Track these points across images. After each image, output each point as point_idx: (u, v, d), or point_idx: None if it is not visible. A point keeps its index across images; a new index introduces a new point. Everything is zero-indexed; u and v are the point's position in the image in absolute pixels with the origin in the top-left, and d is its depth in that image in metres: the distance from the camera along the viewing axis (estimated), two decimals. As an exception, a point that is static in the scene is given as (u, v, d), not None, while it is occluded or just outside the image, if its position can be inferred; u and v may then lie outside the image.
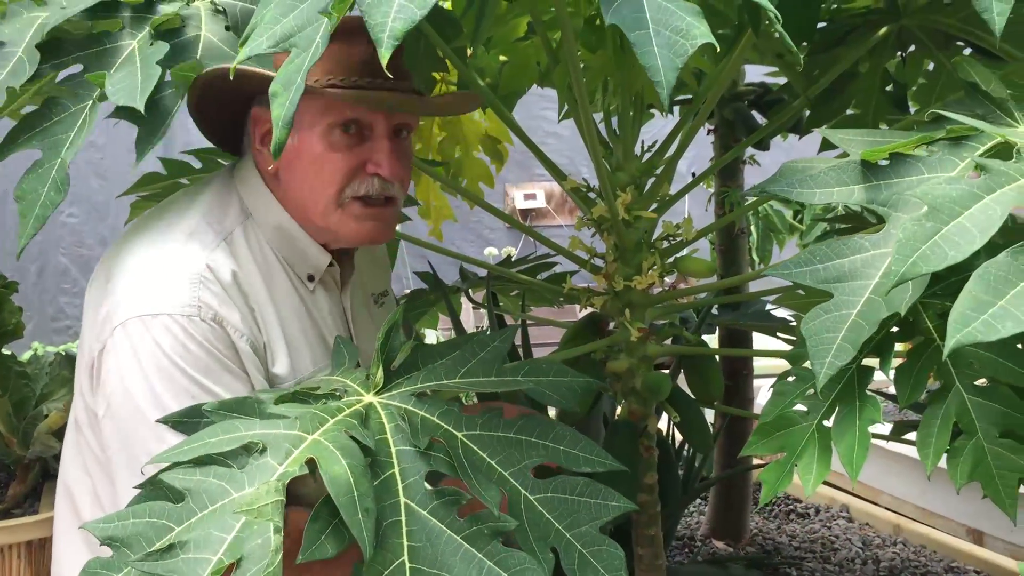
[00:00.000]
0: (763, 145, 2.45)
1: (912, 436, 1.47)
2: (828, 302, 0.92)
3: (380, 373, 1.11)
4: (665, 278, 1.61)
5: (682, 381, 1.77)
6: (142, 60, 1.21)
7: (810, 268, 0.94)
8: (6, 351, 2.37)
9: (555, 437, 1.06)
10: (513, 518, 0.97)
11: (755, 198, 2.23)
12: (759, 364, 2.96)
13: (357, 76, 1.30)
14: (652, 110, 2.00)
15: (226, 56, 1.29)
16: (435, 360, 1.17)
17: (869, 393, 1.02)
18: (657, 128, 2.05)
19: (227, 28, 1.32)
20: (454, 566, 0.92)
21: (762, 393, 3.18)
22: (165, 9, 1.28)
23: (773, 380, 1.11)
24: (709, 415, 2.24)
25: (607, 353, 1.64)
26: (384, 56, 0.85)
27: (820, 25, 1.70)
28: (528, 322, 2.23)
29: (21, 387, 2.45)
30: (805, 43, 1.52)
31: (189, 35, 1.28)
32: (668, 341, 1.70)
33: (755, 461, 2.87)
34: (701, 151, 3.34)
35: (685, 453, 2.69)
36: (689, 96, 2.10)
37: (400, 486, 0.97)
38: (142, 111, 1.16)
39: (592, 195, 1.63)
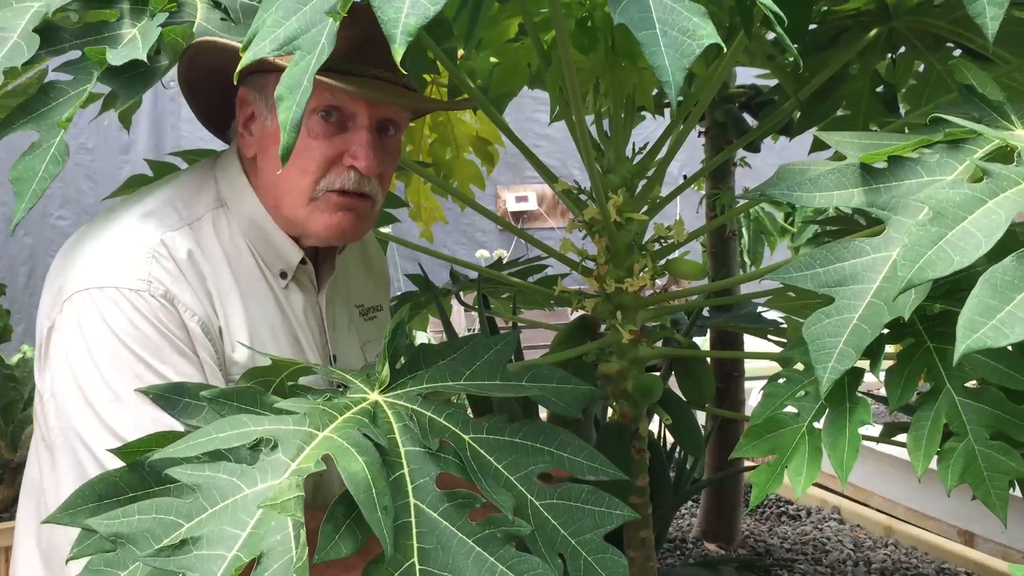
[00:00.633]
0: (754, 147, 2.46)
1: (902, 438, 1.48)
2: (829, 306, 0.92)
3: (386, 371, 1.10)
4: (656, 280, 1.61)
5: (673, 383, 1.77)
6: (143, 35, 1.21)
7: (811, 272, 0.94)
8: (-6, 354, 2.36)
9: (560, 444, 1.06)
10: (527, 524, 0.97)
11: (746, 200, 2.23)
12: (750, 366, 2.97)
13: (343, 60, 1.24)
14: (643, 112, 2.00)
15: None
16: (438, 360, 1.16)
17: (859, 395, 1.02)
18: (648, 130, 2.05)
19: (223, 19, 1.30)
20: (466, 569, 0.91)
21: (753, 395, 3.18)
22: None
23: (764, 382, 1.11)
24: (700, 417, 2.24)
25: (598, 355, 1.63)
26: (398, 52, 0.84)
27: (811, 27, 1.71)
28: (519, 324, 2.23)
29: (9, 390, 2.44)
30: (796, 45, 1.52)
31: (184, 20, 1.26)
32: (659, 343, 1.69)
33: (746, 463, 2.87)
34: (692, 153, 3.35)
35: (676, 455, 2.69)
36: (680, 98, 2.10)
37: (410, 487, 0.96)
38: (145, 59, 1.15)
39: (583, 197, 1.63)
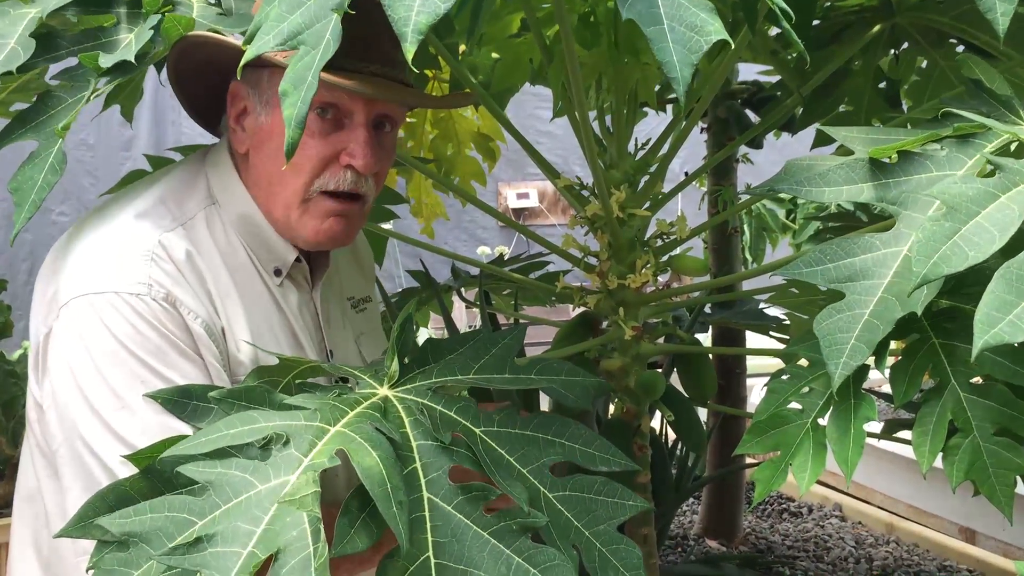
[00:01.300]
0: (756, 143, 2.45)
1: (904, 435, 1.47)
2: (840, 302, 0.91)
3: (395, 366, 1.10)
4: (658, 277, 1.61)
5: (675, 380, 1.77)
6: (137, 38, 1.21)
7: (820, 267, 0.94)
8: (-5, 350, 2.36)
9: (571, 436, 1.06)
10: (542, 515, 0.97)
11: (749, 196, 2.23)
12: (752, 363, 2.97)
13: (342, 57, 1.15)
14: (645, 108, 2.00)
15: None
16: (445, 355, 1.15)
17: (864, 391, 1.02)
18: (650, 127, 2.04)
19: (220, 15, 1.30)
20: (481, 562, 0.91)
21: (755, 392, 3.18)
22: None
23: (766, 379, 1.10)
24: (702, 414, 2.24)
25: (600, 352, 1.63)
26: (409, 51, 0.83)
27: (814, 23, 1.70)
28: (521, 321, 2.23)
29: (10, 386, 2.44)
30: (801, 40, 1.52)
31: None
32: (661, 340, 1.69)
33: (748, 460, 2.87)
34: (694, 150, 3.34)
35: (678, 452, 2.68)
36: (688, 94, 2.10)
37: (423, 481, 0.95)
38: (133, 61, 1.15)
39: (585, 193, 1.62)
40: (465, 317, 4.75)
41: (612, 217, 1.52)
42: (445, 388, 1.10)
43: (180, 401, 1.05)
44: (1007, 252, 0.81)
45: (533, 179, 6.36)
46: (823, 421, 1.03)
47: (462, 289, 2.37)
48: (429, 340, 1.18)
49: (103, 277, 1.17)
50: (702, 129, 2.65)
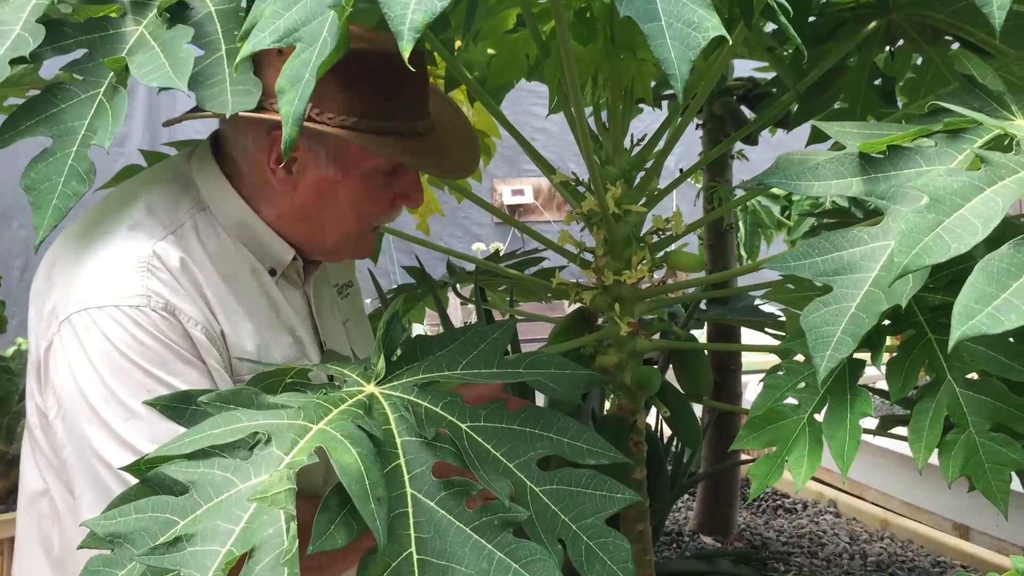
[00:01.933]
0: (752, 140, 2.45)
1: (899, 431, 1.48)
2: (827, 295, 0.91)
3: (381, 363, 1.10)
4: (654, 273, 1.61)
5: (671, 376, 1.77)
6: (162, 44, 1.16)
7: (808, 261, 0.94)
8: (-11, 346, 2.35)
9: (559, 429, 1.05)
10: (524, 510, 0.97)
11: (743, 193, 2.23)
12: (747, 360, 2.97)
13: (413, 120, 1.28)
14: (641, 104, 2.00)
15: None
16: (434, 351, 1.16)
17: (860, 387, 1.02)
18: (646, 123, 2.04)
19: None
20: (463, 557, 0.91)
21: (750, 389, 3.19)
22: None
23: (761, 376, 1.10)
24: (697, 410, 2.24)
25: (596, 348, 1.63)
26: (405, 50, 0.83)
27: (810, 19, 1.70)
28: (516, 317, 2.23)
29: (4, 382, 2.43)
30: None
31: (201, 13, 1.21)
32: (657, 336, 1.69)
33: (743, 456, 2.88)
34: (689, 147, 3.34)
35: (673, 448, 2.69)
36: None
37: (406, 477, 0.95)
38: (186, 92, 1.12)
39: (581, 189, 1.62)
40: (461, 314, 4.75)
41: (608, 213, 1.52)
42: (434, 384, 1.10)
43: (179, 407, 1.06)
44: (992, 245, 0.81)
45: (528, 176, 6.36)
46: (820, 417, 1.03)
47: (457, 285, 2.36)
48: (418, 336, 1.18)
49: (102, 291, 1.19)
50: (697, 126, 2.65)
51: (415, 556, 0.90)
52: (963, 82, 1.11)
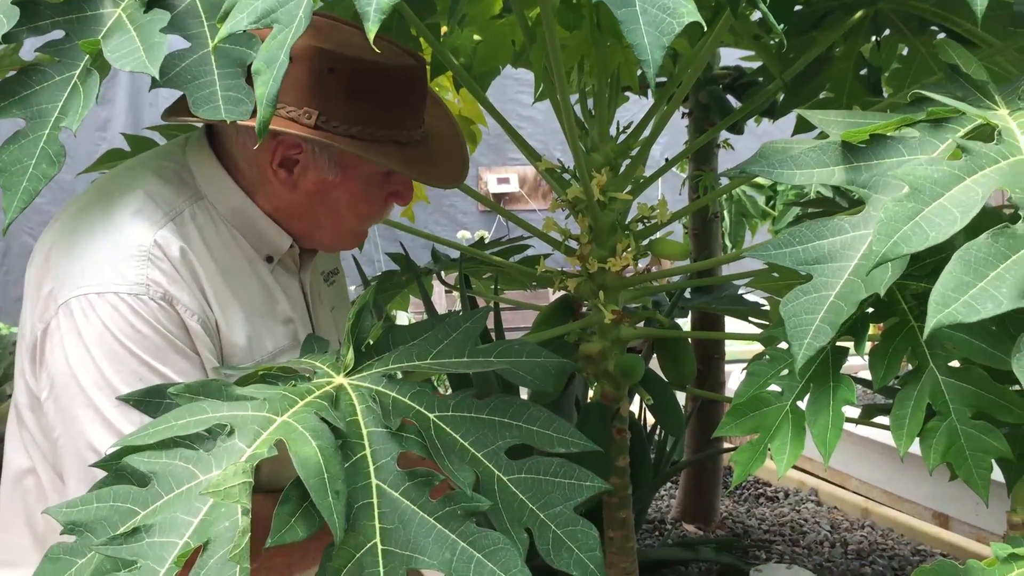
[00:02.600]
0: (737, 129, 2.45)
1: (880, 420, 1.48)
2: (807, 283, 0.91)
3: (350, 355, 1.10)
4: (639, 261, 1.61)
5: (655, 364, 1.77)
6: (138, 28, 1.14)
7: (789, 249, 0.94)
8: (-31, 331, 2.33)
9: (528, 418, 1.05)
10: (487, 499, 0.96)
11: (728, 181, 2.23)
12: (731, 349, 2.98)
13: (411, 129, 1.31)
14: (627, 92, 1.99)
15: None
16: (406, 341, 1.15)
17: (843, 374, 1.02)
18: (632, 111, 2.04)
19: None
20: (427, 547, 0.91)
21: (733, 377, 3.19)
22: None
23: (744, 365, 1.10)
24: (680, 398, 2.25)
25: (580, 336, 1.63)
26: (371, 31, 0.83)
27: (796, 8, 1.70)
28: (501, 305, 2.22)
29: (-14, 367, 2.41)
30: (782, 25, 1.52)
31: (184, 1, 1.20)
32: (641, 324, 1.69)
33: (726, 445, 2.89)
34: (675, 136, 3.34)
35: (656, 436, 2.69)
36: (664, 78, 2.10)
37: (372, 468, 0.95)
38: (158, 77, 1.09)
39: (567, 176, 1.62)
40: (445, 301, 4.75)
41: (593, 200, 1.52)
42: (406, 374, 1.10)
43: (152, 401, 1.07)
44: (971, 234, 0.81)
45: (514, 164, 6.34)
46: (803, 404, 1.03)
47: (442, 273, 2.36)
48: (390, 326, 1.18)
49: (102, 277, 1.19)
50: (683, 114, 2.65)
51: (379, 547, 0.90)
52: (947, 72, 1.11)
